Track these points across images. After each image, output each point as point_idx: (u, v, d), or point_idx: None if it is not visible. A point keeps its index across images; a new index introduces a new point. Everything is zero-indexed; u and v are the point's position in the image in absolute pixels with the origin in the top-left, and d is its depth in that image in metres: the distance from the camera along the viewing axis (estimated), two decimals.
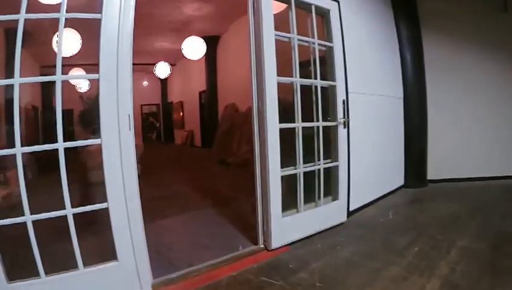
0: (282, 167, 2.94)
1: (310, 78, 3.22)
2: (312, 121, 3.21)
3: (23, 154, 2.08)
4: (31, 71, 12.94)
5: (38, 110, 13.16)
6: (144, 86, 17.49)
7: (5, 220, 2.00)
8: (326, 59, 3.39)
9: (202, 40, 7.65)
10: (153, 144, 17.53)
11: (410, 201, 4.36)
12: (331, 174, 3.43)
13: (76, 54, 11.53)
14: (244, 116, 8.56)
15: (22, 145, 2.08)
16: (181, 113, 15.77)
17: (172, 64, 12.69)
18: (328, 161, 3.39)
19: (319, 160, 3.27)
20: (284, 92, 3.02)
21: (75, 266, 2.17)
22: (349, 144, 3.51)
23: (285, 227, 2.95)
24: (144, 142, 17.25)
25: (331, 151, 3.43)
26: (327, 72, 3.38)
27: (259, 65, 2.86)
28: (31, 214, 2.05)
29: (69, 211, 2.17)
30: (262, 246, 2.97)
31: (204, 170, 8.18)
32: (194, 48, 7.56)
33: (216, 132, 10.31)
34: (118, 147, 2.19)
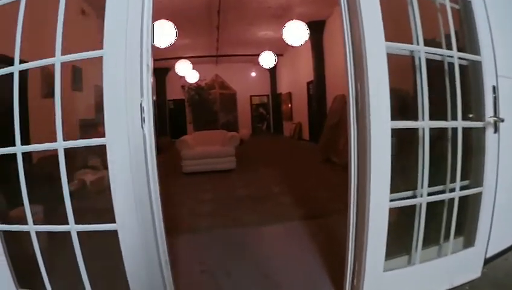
0: (392, 192, 1.84)
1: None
2: (444, 119, 2.04)
3: None
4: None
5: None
6: (252, 76, 17.42)
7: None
8: (462, 24, 2.17)
9: (304, 24, 6.73)
10: (262, 135, 17.47)
11: None
12: (467, 205, 2.19)
13: (180, 46, 11.86)
14: None
15: None
16: (289, 105, 15.23)
17: (279, 55, 12.12)
18: (465, 183, 2.15)
19: (452, 182, 2.06)
20: (396, 74, 1.94)
21: None
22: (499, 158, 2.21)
23: (386, 286, 1.90)
24: (253, 133, 17.41)
25: (469, 169, 2.17)
26: (463, 44, 2.15)
27: (355, 24, 1.78)
28: None
29: (72, 228, 1.65)
30: None
31: (307, 168, 7.37)
32: (294, 32, 6.70)
33: (324, 125, 9.36)
34: (126, 149, 1.54)
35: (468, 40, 2.14)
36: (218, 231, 3.55)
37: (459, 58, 1.98)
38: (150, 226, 1.63)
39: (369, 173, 1.77)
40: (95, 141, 1.56)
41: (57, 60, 1.63)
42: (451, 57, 1.98)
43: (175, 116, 16.61)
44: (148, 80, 1.55)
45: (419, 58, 1.88)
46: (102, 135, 1.53)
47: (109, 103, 1.50)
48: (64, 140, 1.59)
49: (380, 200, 1.79)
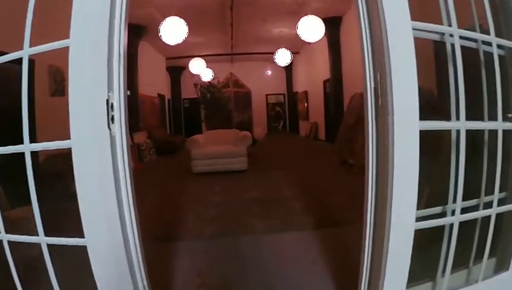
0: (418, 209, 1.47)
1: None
2: (479, 118, 1.68)
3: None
4: (159, 62, 13.87)
5: (165, 98, 14.18)
6: (268, 75, 17.14)
7: None
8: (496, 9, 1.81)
9: (320, 19, 6.41)
10: (277, 134, 17.18)
11: None
12: (502, 221, 1.80)
13: (194, 44, 11.69)
14: None
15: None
16: (305, 104, 14.84)
17: (295, 53, 11.80)
18: (501, 196, 1.75)
19: (486, 195, 1.71)
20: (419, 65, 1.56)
21: None
22: None
23: None
24: (269, 132, 17.13)
25: (505, 180, 1.76)
26: (500, 33, 1.78)
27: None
28: None
29: (42, 240, 1.44)
30: None
31: (322, 170, 7.00)
32: (310, 27, 6.38)
33: (340, 125, 9.00)
34: (93, 155, 1.30)
35: (504, 26, 1.79)
36: (223, 239, 3.30)
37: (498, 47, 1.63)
38: (122, 249, 1.37)
39: (391, 185, 1.41)
40: (59, 143, 1.31)
41: (25, 52, 1.40)
42: (488, 45, 1.64)
43: (190, 115, 16.54)
44: (120, 71, 1.29)
45: (453, 42, 1.48)
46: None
47: (74, 98, 1.26)
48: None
49: (404, 218, 1.43)
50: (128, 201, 1.37)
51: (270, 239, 3.23)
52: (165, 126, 14.22)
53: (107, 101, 1.24)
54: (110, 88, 1.25)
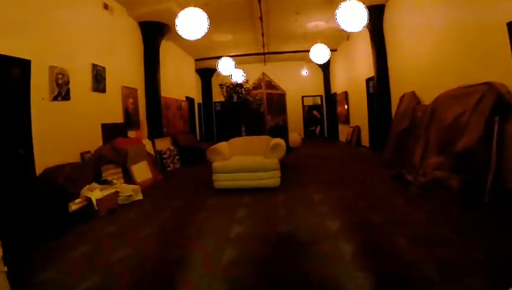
0: None
1: None
2: None
3: None
4: (187, 64, 13.12)
5: (194, 101, 13.47)
6: (303, 75, 15.95)
7: None
8: None
9: (362, 4, 5.16)
10: (315, 140, 15.99)
11: None
12: None
13: (224, 44, 10.76)
14: (431, 111, 5.70)
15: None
16: (345, 106, 13.49)
17: (333, 50, 10.55)
18: None
19: None
20: None
21: None
22: None
23: None
24: (305, 137, 15.96)
25: None
26: None
27: None
28: None
29: None
30: None
31: (371, 188, 5.52)
32: (350, 13, 5.14)
33: (389, 130, 7.68)
34: None
35: None
36: None
37: None
38: None
39: None
40: None
41: None
42: None
43: (223, 119, 15.79)
44: None
45: None
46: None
47: None
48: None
49: None
50: None
51: None
52: (194, 132, 13.42)
53: None
54: None
